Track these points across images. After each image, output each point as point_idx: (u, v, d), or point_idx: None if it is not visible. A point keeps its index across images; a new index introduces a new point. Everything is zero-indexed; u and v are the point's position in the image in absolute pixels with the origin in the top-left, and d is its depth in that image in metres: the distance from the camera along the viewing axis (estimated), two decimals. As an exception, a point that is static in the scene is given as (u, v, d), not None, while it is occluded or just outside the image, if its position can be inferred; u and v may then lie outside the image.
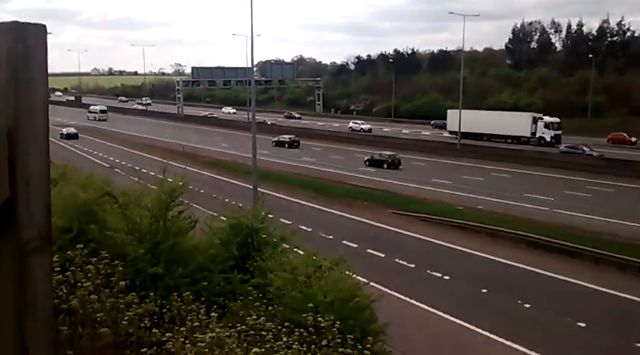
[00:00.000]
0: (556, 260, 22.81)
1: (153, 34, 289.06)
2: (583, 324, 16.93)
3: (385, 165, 46.83)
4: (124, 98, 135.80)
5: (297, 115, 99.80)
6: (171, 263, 9.10)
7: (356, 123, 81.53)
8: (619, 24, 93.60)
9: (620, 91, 75.82)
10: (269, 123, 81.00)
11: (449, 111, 40.36)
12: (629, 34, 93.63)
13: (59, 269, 6.31)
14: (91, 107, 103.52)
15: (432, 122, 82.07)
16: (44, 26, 1.49)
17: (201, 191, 29.96)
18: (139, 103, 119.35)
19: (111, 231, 9.37)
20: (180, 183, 10.44)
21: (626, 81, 78.81)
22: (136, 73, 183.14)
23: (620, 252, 22.48)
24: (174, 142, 62.89)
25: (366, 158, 49.12)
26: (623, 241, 24.76)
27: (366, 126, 78.31)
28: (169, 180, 10.59)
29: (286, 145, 59.40)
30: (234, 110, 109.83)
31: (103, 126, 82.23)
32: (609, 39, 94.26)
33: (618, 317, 17.65)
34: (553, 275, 21.15)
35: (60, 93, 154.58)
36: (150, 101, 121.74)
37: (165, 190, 9.96)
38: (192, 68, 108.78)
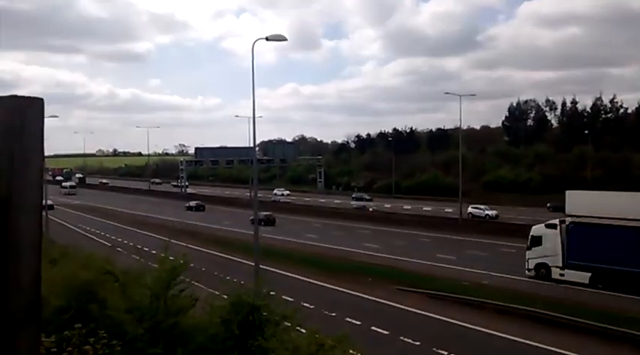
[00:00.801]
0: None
1: (158, 116, 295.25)
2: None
3: None
4: (157, 180, 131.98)
5: (367, 197, 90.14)
6: (171, 343, 8.89)
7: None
8: (612, 101, 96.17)
9: (617, 166, 76.71)
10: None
11: (568, 192, 30.49)
12: (622, 110, 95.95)
13: (55, 349, 6.18)
14: (63, 183, 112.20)
15: (549, 205, 68.57)
16: (41, 100, 1.52)
17: (203, 269, 29.72)
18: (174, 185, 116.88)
19: (110, 310, 9.23)
20: (182, 261, 10.38)
21: (622, 156, 79.88)
22: (140, 154, 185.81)
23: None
24: (177, 221, 62.95)
25: None
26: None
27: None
28: (171, 258, 10.52)
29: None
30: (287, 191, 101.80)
31: (109, 207, 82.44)
32: (603, 116, 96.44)
33: None
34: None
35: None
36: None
37: (166, 268, 9.88)
38: (196, 148, 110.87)
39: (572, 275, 31.47)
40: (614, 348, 21.20)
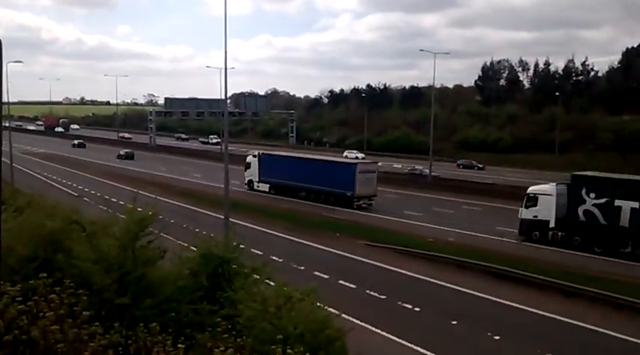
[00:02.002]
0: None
1: (127, 64, 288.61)
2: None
3: None
4: (183, 135, 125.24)
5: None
6: (139, 293, 8.93)
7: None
8: (583, 64, 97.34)
9: (585, 129, 78.00)
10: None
11: None
12: (592, 73, 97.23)
13: (21, 298, 6.13)
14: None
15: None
16: None
17: (172, 221, 29.63)
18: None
19: (77, 260, 9.18)
20: (150, 213, 10.32)
21: (591, 119, 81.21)
22: (108, 103, 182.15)
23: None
24: (145, 172, 62.32)
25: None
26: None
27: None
28: (139, 209, 10.45)
29: None
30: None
31: (78, 156, 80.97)
32: (575, 78, 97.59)
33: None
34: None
35: (41, 123, 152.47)
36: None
37: (134, 219, 9.83)
38: (165, 99, 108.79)
39: (262, 186, 49.91)
40: (572, 302, 22.00)
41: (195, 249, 10.94)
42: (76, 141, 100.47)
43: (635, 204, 28.80)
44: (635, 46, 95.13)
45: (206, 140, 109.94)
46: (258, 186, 50.09)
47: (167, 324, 8.14)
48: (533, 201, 33.13)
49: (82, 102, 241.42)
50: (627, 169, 63.61)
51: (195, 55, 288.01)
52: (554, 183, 33.79)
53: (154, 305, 8.61)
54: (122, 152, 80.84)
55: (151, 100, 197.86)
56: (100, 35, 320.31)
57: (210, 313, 9.11)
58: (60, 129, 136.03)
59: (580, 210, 30.75)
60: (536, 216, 32.63)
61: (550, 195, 32.56)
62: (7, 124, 54.89)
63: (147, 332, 7.01)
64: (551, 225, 31.98)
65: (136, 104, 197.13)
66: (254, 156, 51.79)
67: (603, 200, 30.03)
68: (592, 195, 30.40)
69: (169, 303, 8.97)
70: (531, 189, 34.37)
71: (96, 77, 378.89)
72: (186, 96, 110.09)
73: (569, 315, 20.27)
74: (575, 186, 31.59)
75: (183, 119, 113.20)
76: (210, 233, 14.08)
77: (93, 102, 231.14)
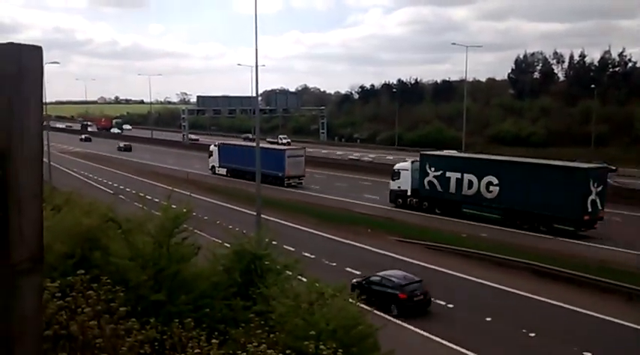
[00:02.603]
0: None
1: (160, 63, 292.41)
2: None
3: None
4: (250, 135, 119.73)
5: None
6: (174, 290, 9.06)
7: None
8: (620, 55, 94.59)
9: (622, 121, 76.08)
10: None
11: None
12: (630, 64, 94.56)
13: (60, 294, 6.28)
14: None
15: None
16: (40, 48, 1.48)
17: (205, 217, 29.99)
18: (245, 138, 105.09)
19: (114, 257, 9.36)
20: (184, 210, 10.46)
21: (628, 111, 79.15)
22: (142, 102, 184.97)
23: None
24: (179, 169, 63.21)
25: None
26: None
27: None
28: (173, 206, 10.60)
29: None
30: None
31: (115, 155, 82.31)
32: (611, 70, 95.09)
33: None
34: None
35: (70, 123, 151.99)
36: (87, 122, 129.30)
37: (169, 217, 9.97)
38: (198, 97, 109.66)
39: (221, 170, 60.14)
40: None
41: (228, 245, 11.05)
42: (121, 144, 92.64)
43: (458, 175, 37.25)
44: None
45: (275, 140, 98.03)
46: (218, 171, 60.55)
47: (201, 320, 8.25)
48: (397, 175, 41.55)
49: (117, 101, 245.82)
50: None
51: (226, 53, 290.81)
52: (411, 161, 41.96)
53: (188, 302, 8.73)
54: (121, 144, 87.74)
55: (184, 98, 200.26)
56: (133, 34, 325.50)
57: (243, 309, 9.19)
58: (116, 130, 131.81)
59: (425, 181, 39.27)
60: (399, 187, 41.24)
61: (407, 170, 40.85)
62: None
63: (182, 327, 7.11)
64: (409, 193, 40.65)
65: (169, 103, 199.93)
66: (215, 145, 62.77)
67: (439, 172, 38.38)
68: (432, 169, 38.82)
69: (203, 299, 9.08)
70: (396, 166, 42.94)
71: (129, 76, 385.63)
72: (218, 94, 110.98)
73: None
74: (422, 162, 39.86)
75: (215, 117, 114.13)
76: (243, 229, 14.22)
77: (127, 101, 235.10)
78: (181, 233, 10.02)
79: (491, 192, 35.44)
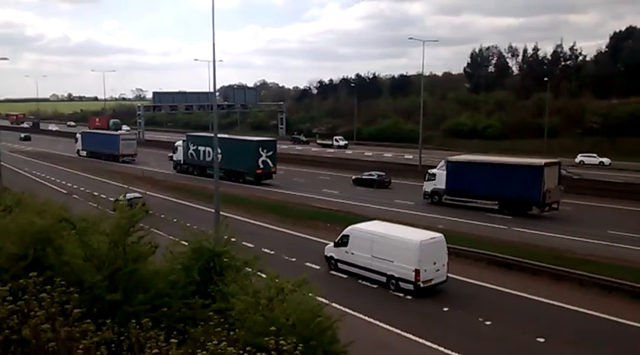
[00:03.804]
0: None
1: (114, 59, 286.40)
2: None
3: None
4: (72, 123, 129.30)
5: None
6: (131, 289, 8.92)
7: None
8: (572, 49, 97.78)
9: (574, 113, 78.42)
10: None
11: None
12: (581, 58, 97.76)
13: (11, 298, 6.12)
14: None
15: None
16: None
17: (162, 216, 29.62)
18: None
19: (68, 258, 9.16)
20: (140, 208, 10.31)
21: (579, 103, 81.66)
22: (96, 99, 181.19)
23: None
24: (134, 167, 62.19)
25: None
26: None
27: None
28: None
29: None
30: None
31: (62, 152, 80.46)
32: (563, 63, 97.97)
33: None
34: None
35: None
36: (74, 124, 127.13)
37: (124, 215, 9.80)
38: (154, 93, 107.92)
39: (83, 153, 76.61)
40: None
41: (186, 243, 10.95)
42: (22, 135, 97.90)
43: (206, 149, 55.46)
44: (623, 29, 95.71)
45: (299, 137, 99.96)
46: (82, 153, 76.88)
47: (159, 320, 8.15)
48: (175, 150, 60.58)
49: (70, 98, 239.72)
50: (614, 153, 64.58)
51: (183, 49, 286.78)
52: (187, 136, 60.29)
53: (145, 301, 8.60)
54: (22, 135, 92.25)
55: (139, 95, 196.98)
56: (87, 30, 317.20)
57: (202, 307, 9.12)
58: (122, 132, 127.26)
59: (188, 153, 58.22)
60: (178, 159, 59.95)
61: (180, 146, 59.52)
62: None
63: (139, 328, 7.01)
64: (181, 161, 59.37)
65: (124, 99, 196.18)
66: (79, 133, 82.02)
67: (196, 147, 57.26)
68: (192, 145, 57.67)
69: (161, 298, 8.96)
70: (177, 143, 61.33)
71: (83, 73, 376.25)
72: (175, 90, 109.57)
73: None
74: (187, 142, 58.61)
75: (172, 113, 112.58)
76: (202, 227, 14.09)
77: (81, 98, 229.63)
78: (138, 231, 9.87)
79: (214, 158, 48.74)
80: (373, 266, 22.71)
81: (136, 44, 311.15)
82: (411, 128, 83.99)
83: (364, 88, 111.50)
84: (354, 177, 51.09)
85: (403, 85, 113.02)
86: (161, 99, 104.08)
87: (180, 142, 60.38)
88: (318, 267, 24.67)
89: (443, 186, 40.06)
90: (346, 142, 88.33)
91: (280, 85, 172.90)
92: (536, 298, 20.98)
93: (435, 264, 21.67)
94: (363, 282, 22.91)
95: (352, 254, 23.73)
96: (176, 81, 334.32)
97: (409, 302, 21.02)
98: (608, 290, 21.53)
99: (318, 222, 33.92)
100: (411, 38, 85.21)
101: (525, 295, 21.39)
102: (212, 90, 34.47)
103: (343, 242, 24.27)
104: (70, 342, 5.85)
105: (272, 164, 52.10)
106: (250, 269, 10.97)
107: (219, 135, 47.48)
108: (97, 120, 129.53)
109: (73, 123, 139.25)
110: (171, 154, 62.16)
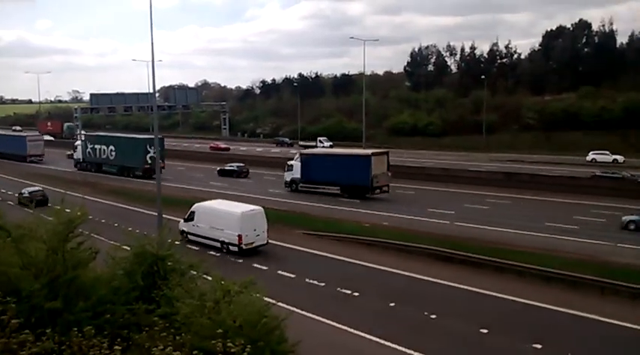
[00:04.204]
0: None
1: (49, 60, 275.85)
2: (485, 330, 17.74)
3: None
4: (18, 128, 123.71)
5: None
6: (71, 297, 8.69)
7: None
8: (507, 47, 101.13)
9: (510, 110, 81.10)
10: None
11: None
12: (516, 56, 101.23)
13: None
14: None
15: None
16: None
17: (103, 220, 28.87)
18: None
19: (3, 267, 8.83)
20: (79, 213, 10.04)
21: (515, 100, 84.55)
22: (30, 101, 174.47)
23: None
24: (71, 171, 60.37)
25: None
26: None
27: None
28: (67, 210, 10.13)
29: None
30: None
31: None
32: (499, 61, 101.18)
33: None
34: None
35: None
36: (20, 128, 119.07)
37: (62, 221, 9.53)
38: (91, 95, 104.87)
39: None
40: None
41: (128, 248, 10.72)
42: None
43: (102, 147, 59.12)
44: (554, 28, 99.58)
45: (283, 139, 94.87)
46: None
47: (102, 327, 7.98)
48: (75, 148, 64.95)
49: (2, 101, 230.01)
50: (549, 146, 67.23)
51: (120, 49, 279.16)
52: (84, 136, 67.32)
53: (87, 308, 8.39)
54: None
55: (76, 97, 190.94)
56: (19, 30, 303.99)
57: (146, 312, 8.97)
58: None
59: (86, 151, 61.31)
60: (78, 158, 63.39)
61: (79, 145, 63.43)
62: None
63: (81, 336, 6.86)
64: (81, 159, 62.54)
65: (60, 101, 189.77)
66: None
67: (92, 146, 60.60)
68: (89, 144, 61.07)
69: (104, 305, 8.76)
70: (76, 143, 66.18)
71: (15, 75, 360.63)
72: (113, 92, 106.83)
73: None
74: (86, 141, 62.76)
75: (111, 115, 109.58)
76: (144, 231, 13.82)
77: (14, 101, 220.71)
78: (77, 237, 9.63)
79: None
80: (212, 235, 27.67)
81: (71, 45, 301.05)
82: (355, 126, 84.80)
83: (307, 87, 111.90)
84: (218, 169, 57.27)
85: (345, 84, 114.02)
86: (99, 101, 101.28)
87: (79, 142, 65.08)
88: (265, 268, 24.60)
89: (299, 176, 45.82)
90: (331, 143, 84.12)
91: (223, 85, 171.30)
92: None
93: (255, 230, 27.05)
94: (312, 280, 23.03)
95: (198, 226, 28.52)
96: (114, 82, 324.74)
97: (356, 299, 21.23)
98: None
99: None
100: (352, 38, 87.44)
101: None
102: (152, 90, 33.86)
103: (191, 217, 29.15)
104: (7, 354, 5.65)
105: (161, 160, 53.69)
106: (195, 272, 10.86)
107: (110, 135, 64.94)
108: (49, 124, 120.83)
109: (19, 128, 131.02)
110: (71, 152, 67.37)
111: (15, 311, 6.89)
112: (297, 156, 47.75)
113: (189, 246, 26.31)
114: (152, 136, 55.02)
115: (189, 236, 28.48)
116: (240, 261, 25.93)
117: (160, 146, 52.00)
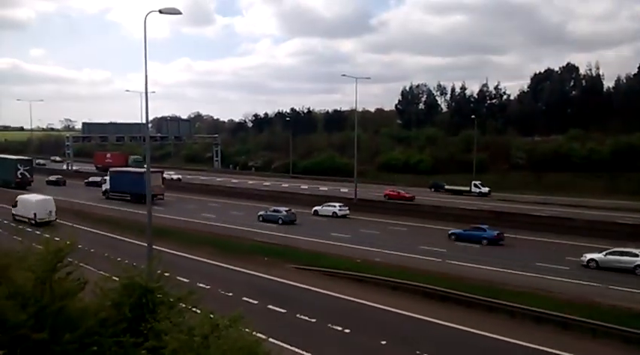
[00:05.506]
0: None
1: (42, 88, 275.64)
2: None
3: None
4: (58, 158, 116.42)
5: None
6: (58, 328, 8.54)
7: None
8: (496, 88, 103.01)
9: (500, 149, 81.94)
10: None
11: None
12: (505, 97, 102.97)
13: None
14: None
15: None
16: None
17: (92, 250, 28.57)
18: None
19: (-11, 296, 8.70)
20: (68, 242, 9.95)
21: (504, 140, 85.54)
22: (22, 129, 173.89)
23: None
24: (62, 199, 59.90)
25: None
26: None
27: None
28: (56, 239, 10.05)
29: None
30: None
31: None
32: (489, 101, 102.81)
33: None
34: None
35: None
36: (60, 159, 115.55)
37: (51, 250, 9.43)
38: (83, 123, 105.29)
39: None
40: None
41: (117, 279, 10.59)
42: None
43: None
44: (542, 71, 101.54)
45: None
46: None
47: (89, 359, 7.83)
48: None
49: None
50: (540, 187, 67.75)
51: (114, 79, 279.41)
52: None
53: (74, 340, 8.24)
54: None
55: (68, 125, 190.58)
56: (12, 58, 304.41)
57: (134, 346, 8.82)
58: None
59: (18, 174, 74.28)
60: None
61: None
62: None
63: (67, 368, 6.71)
64: None
65: (52, 129, 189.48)
66: None
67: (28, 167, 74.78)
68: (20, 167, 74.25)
69: (91, 337, 8.61)
70: None
71: (8, 102, 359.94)
72: (106, 121, 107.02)
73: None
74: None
75: (103, 144, 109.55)
76: (134, 262, 13.69)
77: (6, 128, 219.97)
78: (65, 267, 9.52)
79: None
80: (26, 215, 44.37)
81: (64, 73, 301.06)
82: (346, 162, 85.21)
83: (299, 122, 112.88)
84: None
85: (337, 120, 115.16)
86: (91, 130, 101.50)
87: None
88: (255, 302, 24.31)
89: (109, 187, 63.08)
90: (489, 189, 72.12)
91: (215, 117, 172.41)
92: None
93: (47, 211, 44.38)
94: (302, 316, 22.75)
95: (22, 210, 45.58)
96: (107, 112, 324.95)
97: (345, 336, 20.96)
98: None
99: (257, 255, 33.71)
100: (344, 75, 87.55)
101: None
102: (144, 121, 33.91)
103: (16, 204, 46.45)
104: (-9, 386, 5.52)
105: (29, 176, 74.06)
106: (184, 305, 10.71)
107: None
108: (108, 155, 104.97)
109: (59, 159, 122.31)
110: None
111: (0, 342, 6.75)
112: (109, 172, 65.65)
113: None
114: (23, 158, 79.92)
115: (16, 217, 45.30)
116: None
117: (29, 165, 75.32)
